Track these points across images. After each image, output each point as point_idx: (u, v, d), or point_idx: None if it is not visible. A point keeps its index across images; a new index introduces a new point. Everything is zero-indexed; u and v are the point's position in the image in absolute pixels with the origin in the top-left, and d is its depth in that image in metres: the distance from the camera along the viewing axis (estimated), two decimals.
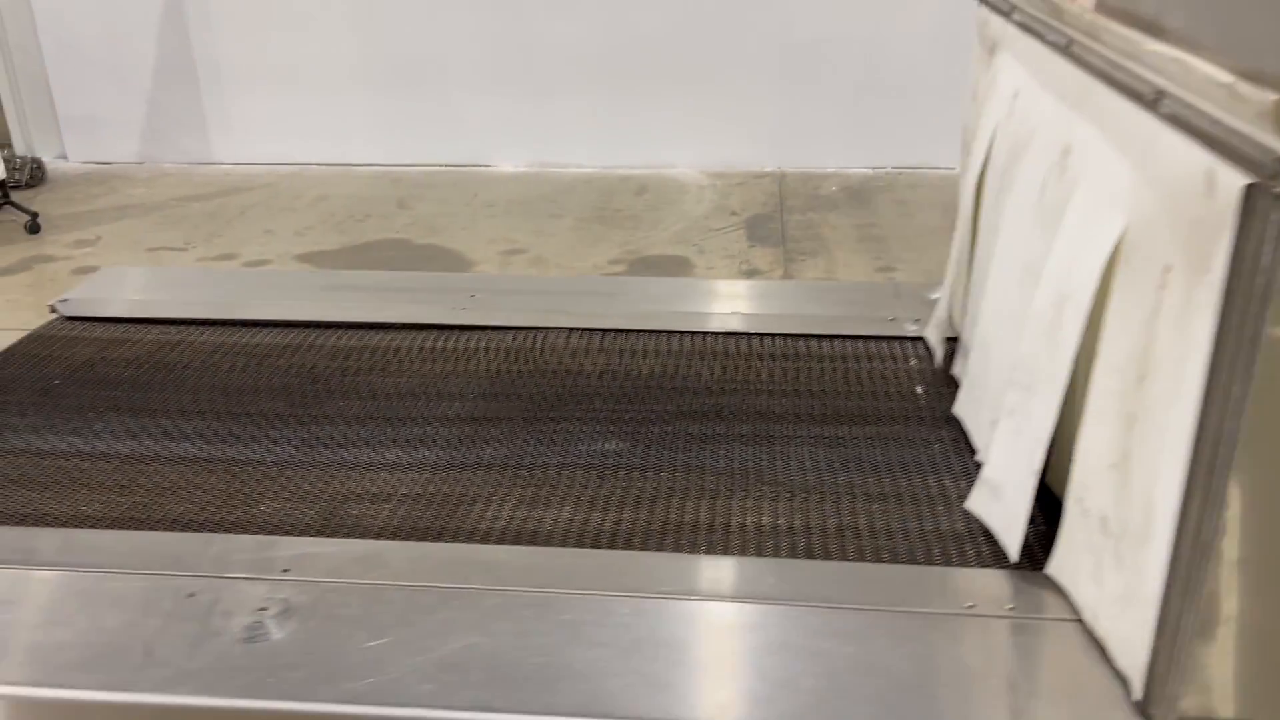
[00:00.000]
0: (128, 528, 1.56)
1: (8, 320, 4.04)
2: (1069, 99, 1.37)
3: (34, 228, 4.80)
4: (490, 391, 1.94)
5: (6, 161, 5.18)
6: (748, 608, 1.34)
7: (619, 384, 1.95)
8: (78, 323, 2.17)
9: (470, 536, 1.53)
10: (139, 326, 2.17)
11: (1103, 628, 1.22)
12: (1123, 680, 1.18)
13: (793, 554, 1.47)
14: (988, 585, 1.36)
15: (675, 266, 4.48)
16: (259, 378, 2.01)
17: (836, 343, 2.01)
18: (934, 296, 2.08)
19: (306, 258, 4.63)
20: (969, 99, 1.89)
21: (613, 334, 2.10)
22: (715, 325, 2.09)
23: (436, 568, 1.43)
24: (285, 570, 1.41)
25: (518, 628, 1.30)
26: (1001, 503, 1.37)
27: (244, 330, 2.17)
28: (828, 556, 1.46)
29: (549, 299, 2.22)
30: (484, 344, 2.09)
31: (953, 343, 1.94)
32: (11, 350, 2.07)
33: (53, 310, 2.22)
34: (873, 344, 2.00)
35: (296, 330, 2.17)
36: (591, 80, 5.49)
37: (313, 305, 2.22)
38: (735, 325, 2.09)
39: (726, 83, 5.40)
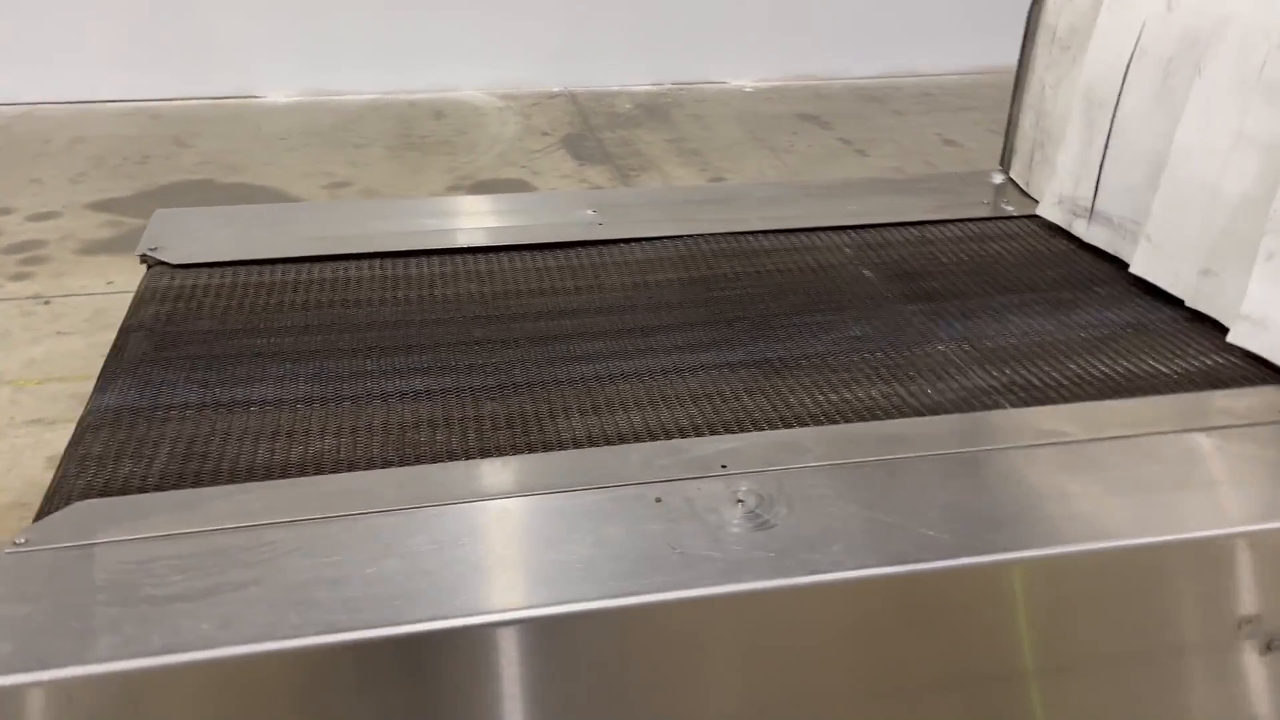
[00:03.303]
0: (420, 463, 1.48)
1: None
2: None
3: None
4: (652, 302, 1.97)
5: None
6: (1104, 444, 1.53)
7: (757, 284, 2.05)
8: (181, 270, 1.93)
9: (808, 421, 1.61)
10: (250, 269, 1.97)
11: None
12: None
13: (1075, 399, 1.68)
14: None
15: (514, 189, 4.48)
16: (403, 310, 1.91)
17: (950, 227, 2.23)
18: (996, 181, 2.37)
19: (102, 205, 4.16)
20: (1060, 2, 2.16)
21: (741, 236, 2.19)
22: (832, 220, 2.23)
23: (848, 446, 1.52)
24: (723, 466, 1.44)
25: (963, 486, 1.43)
26: (1271, 332, 1.67)
27: (358, 264, 2.03)
28: (1101, 398, 1.69)
29: (669, 209, 2.26)
30: (619, 258, 2.12)
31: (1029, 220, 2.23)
32: (135, 308, 1.82)
33: (143, 260, 1.96)
34: (981, 225, 2.24)
35: (409, 260, 2.06)
36: None
37: (425, 235, 2.11)
38: (850, 219, 2.24)
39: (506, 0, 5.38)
